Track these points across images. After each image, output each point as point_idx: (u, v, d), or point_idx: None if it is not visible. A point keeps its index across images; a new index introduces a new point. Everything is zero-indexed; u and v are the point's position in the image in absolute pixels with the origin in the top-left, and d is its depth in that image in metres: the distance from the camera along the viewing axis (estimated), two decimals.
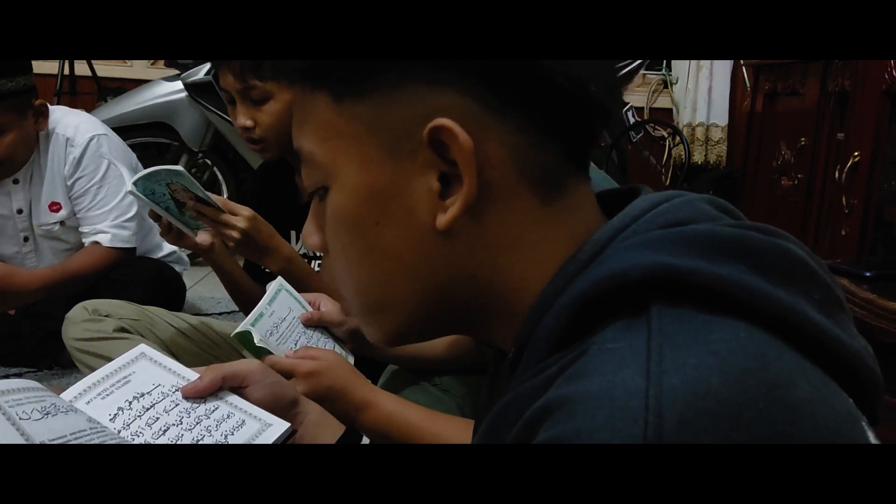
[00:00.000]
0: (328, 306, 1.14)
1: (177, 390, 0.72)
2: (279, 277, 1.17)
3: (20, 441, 0.53)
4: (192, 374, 0.74)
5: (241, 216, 1.21)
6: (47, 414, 0.58)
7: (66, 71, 3.13)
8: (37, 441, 0.54)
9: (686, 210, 0.41)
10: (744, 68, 3.26)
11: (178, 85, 2.84)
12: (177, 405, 0.71)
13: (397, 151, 0.43)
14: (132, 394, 0.70)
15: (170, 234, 1.28)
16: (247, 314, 1.05)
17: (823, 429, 0.33)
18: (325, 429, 0.76)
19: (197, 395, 0.71)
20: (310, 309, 1.14)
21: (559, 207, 0.45)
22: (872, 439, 0.36)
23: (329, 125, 0.45)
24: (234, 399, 0.73)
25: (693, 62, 3.51)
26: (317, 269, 1.43)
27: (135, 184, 1.19)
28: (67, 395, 0.68)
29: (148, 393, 0.71)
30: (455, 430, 0.86)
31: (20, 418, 0.55)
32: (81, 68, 3.17)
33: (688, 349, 0.34)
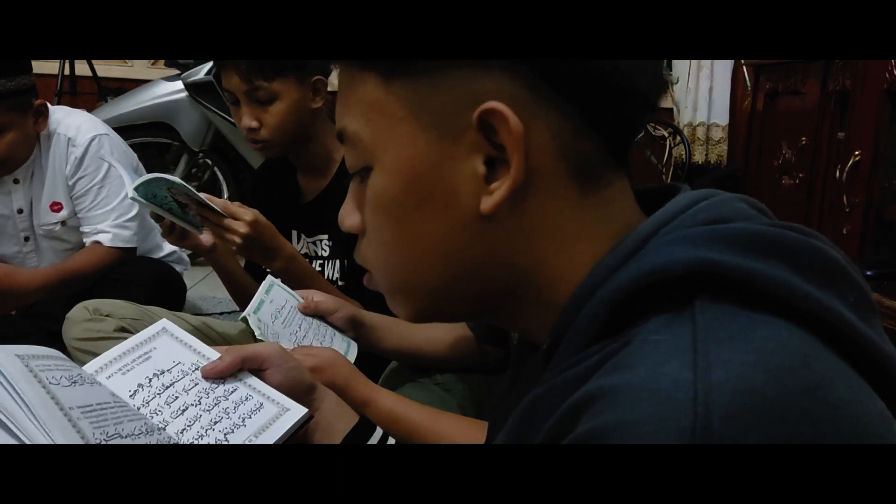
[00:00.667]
0: (321, 297, 1.15)
1: (196, 369, 0.72)
2: (269, 276, 1.18)
3: (50, 404, 0.53)
4: (212, 353, 0.74)
5: (242, 220, 1.21)
6: (74, 382, 0.58)
7: (67, 71, 3.13)
8: (66, 406, 0.54)
9: (725, 208, 0.42)
10: (744, 68, 3.25)
11: (179, 85, 2.84)
12: (196, 384, 0.71)
13: (444, 133, 0.43)
14: (152, 370, 0.70)
15: (171, 235, 1.28)
16: None
17: (861, 429, 0.34)
18: (340, 417, 0.76)
19: (216, 375, 0.72)
20: (302, 301, 1.15)
21: (598, 199, 0.45)
22: None
23: (376, 105, 0.45)
24: (254, 381, 0.73)
25: (693, 62, 3.51)
26: (317, 269, 1.43)
27: (136, 189, 1.20)
28: (89, 367, 0.68)
29: (168, 370, 0.71)
30: (458, 429, 0.86)
31: (50, 383, 0.55)
32: (82, 68, 3.17)
33: (732, 345, 0.34)
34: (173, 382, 0.70)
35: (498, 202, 0.43)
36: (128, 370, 0.70)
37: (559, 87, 0.42)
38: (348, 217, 0.51)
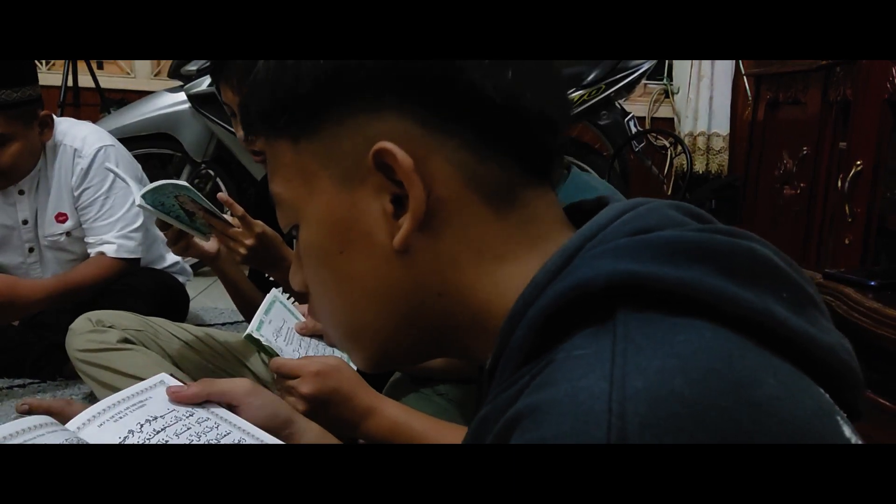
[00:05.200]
0: None
1: (191, 415, 0.72)
2: (273, 290, 1.19)
3: None
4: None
5: (249, 231, 1.23)
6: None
7: (70, 82, 3.14)
8: None
9: (652, 217, 0.42)
10: (745, 77, 3.27)
11: (181, 96, 2.85)
12: (188, 429, 0.71)
13: (351, 180, 0.46)
14: (145, 417, 0.71)
15: (177, 244, 1.29)
16: (249, 321, 1.08)
17: (790, 425, 0.33)
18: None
19: (182, 400, 0.74)
20: (302, 319, 1.15)
21: (518, 220, 0.46)
22: (848, 433, 0.37)
23: (291, 166, 0.48)
24: (246, 425, 0.74)
25: (694, 72, 3.52)
26: None
27: (143, 196, 1.21)
28: (81, 417, 0.68)
29: (161, 416, 0.71)
30: (460, 440, 0.86)
31: None
32: (84, 80, 3.18)
33: (652, 352, 0.34)
34: (165, 427, 0.70)
35: (405, 236, 0.44)
36: (120, 417, 0.70)
37: (448, 118, 0.44)
38: (294, 276, 0.54)
